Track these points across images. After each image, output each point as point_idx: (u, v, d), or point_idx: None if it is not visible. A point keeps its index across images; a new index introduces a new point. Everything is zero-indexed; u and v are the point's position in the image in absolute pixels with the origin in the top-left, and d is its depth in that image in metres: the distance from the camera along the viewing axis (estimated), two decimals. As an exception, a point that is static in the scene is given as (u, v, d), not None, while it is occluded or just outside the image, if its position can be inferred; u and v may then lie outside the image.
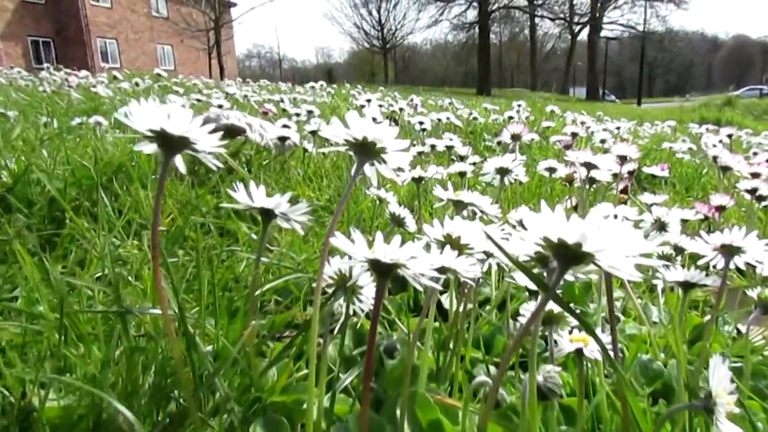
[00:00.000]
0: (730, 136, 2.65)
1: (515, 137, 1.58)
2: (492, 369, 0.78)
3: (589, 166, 1.14)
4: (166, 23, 24.83)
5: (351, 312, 0.64)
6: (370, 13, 39.05)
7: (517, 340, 0.38)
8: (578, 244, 0.35)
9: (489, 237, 0.39)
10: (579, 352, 0.59)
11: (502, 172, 1.20)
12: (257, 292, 0.70)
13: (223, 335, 0.61)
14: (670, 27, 38.13)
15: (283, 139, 1.55)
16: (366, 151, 0.54)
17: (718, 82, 47.44)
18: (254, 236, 1.19)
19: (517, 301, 0.95)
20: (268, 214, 0.57)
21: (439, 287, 0.45)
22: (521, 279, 0.81)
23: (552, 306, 0.64)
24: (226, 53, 26.11)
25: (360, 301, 0.63)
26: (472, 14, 35.55)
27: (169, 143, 0.47)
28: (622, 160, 1.43)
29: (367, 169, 0.57)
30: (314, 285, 0.67)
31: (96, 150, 1.43)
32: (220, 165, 0.48)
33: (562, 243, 0.35)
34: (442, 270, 0.49)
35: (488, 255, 0.65)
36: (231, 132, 1.63)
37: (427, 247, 0.58)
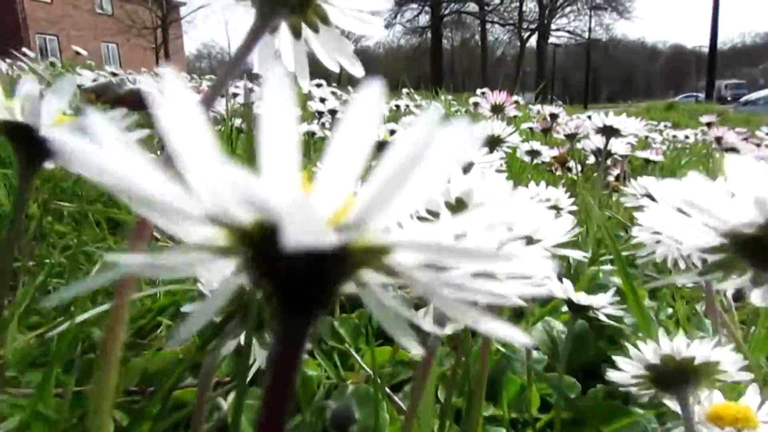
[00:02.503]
0: (709, 124, 2.47)
1: (497, 108, 1.28)
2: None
3: (610, 131, 0.85)
4: (110, 20, 23.72)
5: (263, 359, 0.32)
6: (323, 15, 38.66)
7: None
8: None
9: None
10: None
11: (494, 142, 0.90)
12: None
13: None
14: (614, 35, 39.57)
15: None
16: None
17: (657, 90, 49.61)
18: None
19: (533, 318, 0.65)
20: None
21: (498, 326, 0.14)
22: (558, 289, 0.51)
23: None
24: (174, 53, 25.28)
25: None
26: (424, 19, 35.78)
27: None
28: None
29: (287, 42, 0.25)
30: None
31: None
32: None
33: None
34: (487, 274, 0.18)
35: (530, 240, 0.35)
36: (136, 103, 1.28)
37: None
